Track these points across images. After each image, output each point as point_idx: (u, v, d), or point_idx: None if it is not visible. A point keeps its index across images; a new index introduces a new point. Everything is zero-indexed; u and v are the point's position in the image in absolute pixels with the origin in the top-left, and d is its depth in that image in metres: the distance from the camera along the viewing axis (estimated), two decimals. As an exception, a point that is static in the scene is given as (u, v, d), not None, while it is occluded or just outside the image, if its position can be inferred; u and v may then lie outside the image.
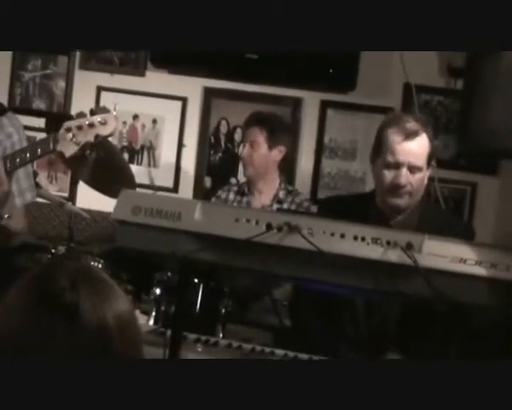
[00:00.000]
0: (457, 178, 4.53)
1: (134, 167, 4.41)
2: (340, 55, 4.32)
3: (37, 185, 4.07)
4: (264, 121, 3.92)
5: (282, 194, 3.95)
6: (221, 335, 3.14)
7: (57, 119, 2.64)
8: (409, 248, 2.15)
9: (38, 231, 4.73)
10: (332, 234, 2.22)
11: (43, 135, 2.66)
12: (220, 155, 4.81)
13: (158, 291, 3.23)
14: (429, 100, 4.54)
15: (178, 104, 4.80)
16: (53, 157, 4.55)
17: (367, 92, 4.55)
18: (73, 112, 2.90)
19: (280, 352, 2.66)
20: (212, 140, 4.80)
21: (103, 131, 2.57)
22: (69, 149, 2.58)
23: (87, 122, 2.56)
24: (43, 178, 4.80)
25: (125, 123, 4.85)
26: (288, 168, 4.47)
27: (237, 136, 4.77)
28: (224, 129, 4.79)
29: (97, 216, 4.61)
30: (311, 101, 4.68)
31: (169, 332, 2.50)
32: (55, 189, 4.86)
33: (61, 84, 4.91)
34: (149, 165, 4.85)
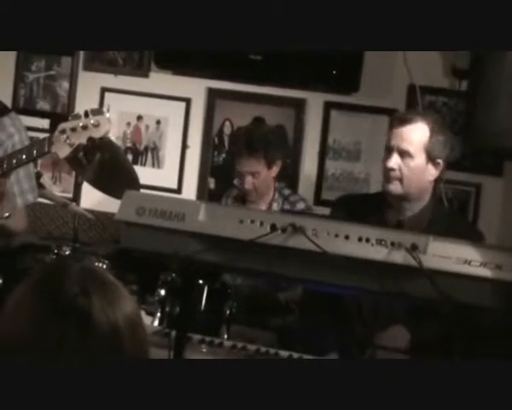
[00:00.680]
0: (462, 179, 4.52)
1: (138, 168, 4.41)
2: (344, 57, 4.31)
3: (42, 186, 4.08)
4: (257, 149, 3.78)
5: (275, 205, 3.91)
6: (225, 336, 3.14)
7: (62, 120, 2.64)
8: (413, 249, 2.15)
9: (42, 231, 4.74)
10: (336, 235, 2.22)
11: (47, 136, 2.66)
12: (224, 155, 4.80)
13: (162, 292, 3.23)
14: (433, 101, 4.54)
15: (182, 105, 4.80)
16: (57, 158, 4.56)
17: (371, 93, 4.54)
18: (77, 113, 2.89)
19: (284, 353, 2.65)
20: (216, 141, 4.80)
21: (96, 134, 2.57)
22: (63, 151, 2.58)
23: (81, 124, 2.56)
24: (47, 179, 4.80)
25: (128, 124, 4.85)
26: (289, 173, 4.48)
27: (241, 137, 4.77)
28: (227, 130, 4.79)
29: (101, 217, 4.61)
30: (314, 102, 4.67)
31: (174, 333, 2.50)
32: (60, 189, 4.86)
33: (65, 85, 4.91)
34: (153, 166, 4.84)
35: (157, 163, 4.85)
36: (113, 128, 4.77)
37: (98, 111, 2.61)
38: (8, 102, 4.50)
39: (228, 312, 3.23)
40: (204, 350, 2.66)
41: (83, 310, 1.26)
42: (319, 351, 2.71)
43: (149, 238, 2.37)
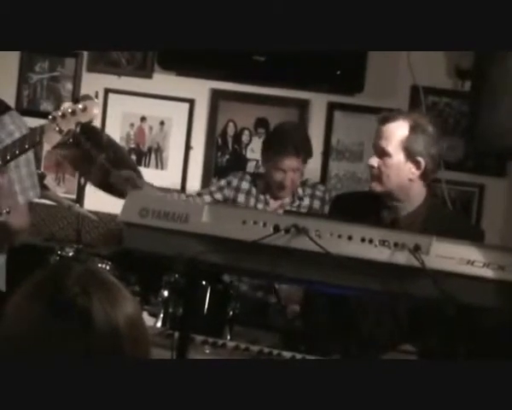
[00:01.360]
0: (465, 179, 4.52)
1: (141, 169, 4.41)
2: (348, 57, 4.31)
3: (45, 187, 4.08)
4: (299, 148, 3.84)
5: (300, 190, 3.93)
6: (228, 337, 3.14)
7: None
8: (416, 250, 2.15)
9: (45, 232, 4.74)
10: (339, 236, 2.22)
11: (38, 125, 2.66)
12: (227, 156, 4.81)
13: (166, 293, 3.23)
14: (437, 102, 4.53)
15: (186, 106, 4.80)
16: (61, 159, 4.57)
17: (374, 94, 4.54)
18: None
19: (287, 354, 2.65)
20: (220, 142, 4.80)
21: (84, 118, 2.58)
22: (53, 139, 2.59)
23: (70, 110, 2.57)
24: (50, 180, 4.80)
25: (132, 125, 4.85)
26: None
27: (244, 138, 4.77)
28: (231, 131, 4.79)
29: (105, 218, 4.61)
30: (318, 103, 4.67)
31: (177, 334, 2.51)
32: (63, 190, 4.86)
33: (69, 86, 4.92)
34: (157, 167, 4.85)
35: (160, 164, 4.85)
36: (117, 129, 4.80)
37: (87, 97, 2.62)
38: (12, 103, 4.51)
39: (231, 312, 3.23)
40: (207, 351, 2.66)
41: (83, 310, 1.26)
42: (322, 352, 2.71)
43: (152, 239, 2.37)
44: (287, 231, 2.23)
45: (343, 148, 4.66)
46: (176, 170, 4.82)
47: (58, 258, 3.63)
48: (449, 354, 2.37)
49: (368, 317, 2.96)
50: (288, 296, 3.57)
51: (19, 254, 3.27)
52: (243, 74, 4.61)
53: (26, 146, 2.63)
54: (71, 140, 2.61)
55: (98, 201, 4.45)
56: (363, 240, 2.21)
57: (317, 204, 3.91)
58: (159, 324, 3.19)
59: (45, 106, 4.93)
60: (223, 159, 4.81)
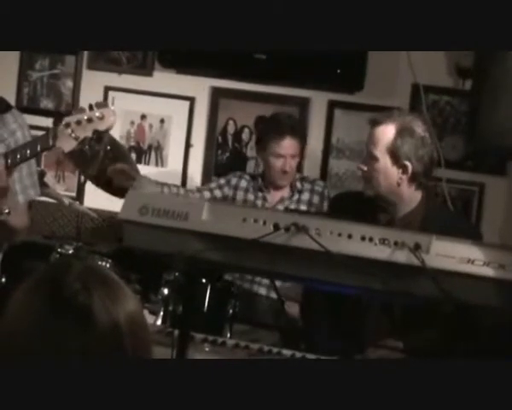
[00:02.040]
0: (465, 178, 4.51)
1: (141, 167, 4.41)
2: (348, 56, 4.31)
3: (45, 185, 4.08)
4: (295, 129, 3.87)
5: (298, 184, 3.94)
6: (228, 335, 3.14)
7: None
8: (417, 248, 2.15)
9: (45, 230, 4.74)
10: (339, 234, 2.22)
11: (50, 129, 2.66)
12: (228, 154, 4.80)
13: (166, 291, 3.23)
14: (437, 100, 4.53)
15: (186, 104, 4.80)
16: (61, 157, 4.57)
17: (375, 92, 4.53)
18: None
19: (287, 352, 2.65)
20: (220, 140, 4.80)
21: (101, 126, 2.58)
22: (68, 145, 2.59)
23: (86, 117, 2.57)
24: (50, 178, 4.80)
25: (132, 123, 4.85)
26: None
27: (245, 136, 4.77)
28: (231, 129, 4.79)
29: (105, 216, 4.61)
30: (318, 101, 4.67)
31: (177, 332, 2.51)
32: (63, 188, 4.86)
33: (69, 83, 4.92)
34: (157, 164, 4.85)
35: (161, 162, 4.85)
36: (117, 127, 4.79)
37: (103, 104, 2.62)
38: (12, 101, 4.50)
39: (231, 311, 3.23)
40: (207, 349, 2.67)
41: (83, 307, 1.26)
42: (322, 350, 2.71)
43: (152, 237, 2.37)
44: (287, 229, 2.23)
45: (343, 146, 4.66)
46: (176, 168, 4.82)
47: (58, 255, 3.63)
48: (448, 353, 2.37)
49: (367, 315, 2.96)
50: (288, 295, 3.57)
51: (19, 252, 3.27)
52: (243, 72, 4.61)
53: (38, 149, 2.63)
54: (87, 147, 2.62)
55: (98, 198, 4.45)
56: (363, 238, 2.21)
57: (316, 199, 3.91)
58: (159, 322, 3.19)
59: (45, 104, 4.93)
60: (223, 157, 4.81)
